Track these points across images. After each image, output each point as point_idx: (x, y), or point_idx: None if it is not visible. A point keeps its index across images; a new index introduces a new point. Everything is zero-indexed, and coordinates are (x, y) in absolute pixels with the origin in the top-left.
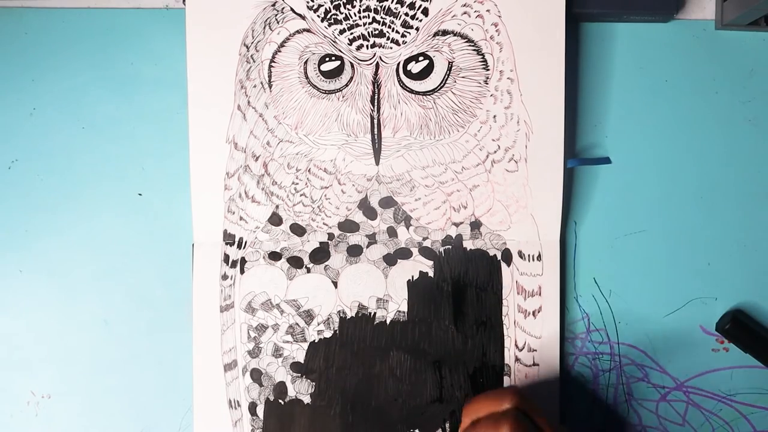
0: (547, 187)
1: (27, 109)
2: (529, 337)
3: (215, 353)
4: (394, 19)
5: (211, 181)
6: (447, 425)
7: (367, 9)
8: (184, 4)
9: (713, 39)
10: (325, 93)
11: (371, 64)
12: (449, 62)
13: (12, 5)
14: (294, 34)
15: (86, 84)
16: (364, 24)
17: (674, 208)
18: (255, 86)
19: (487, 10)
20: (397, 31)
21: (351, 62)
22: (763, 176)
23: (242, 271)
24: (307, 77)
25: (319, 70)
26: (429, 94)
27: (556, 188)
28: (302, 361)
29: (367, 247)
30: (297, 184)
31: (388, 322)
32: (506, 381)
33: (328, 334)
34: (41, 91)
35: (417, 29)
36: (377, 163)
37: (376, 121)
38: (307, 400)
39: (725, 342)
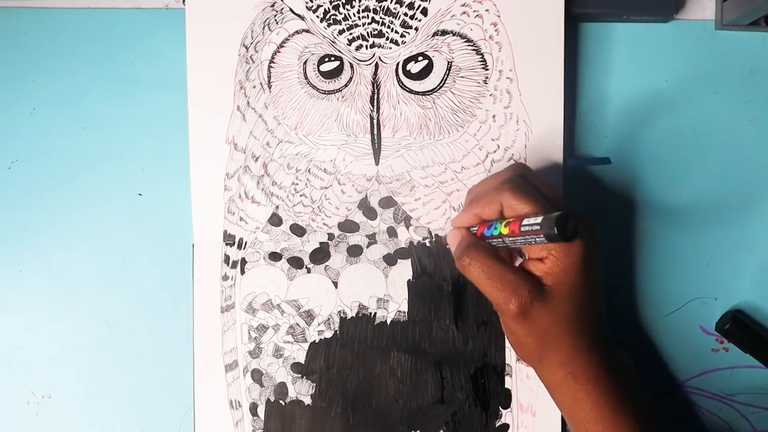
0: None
1: (27, 109)
2: None
3: (216, 354)
4: (393, 19)
5: (211, 181)
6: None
7: (366, 9)
8: (184, 5)
9: (713, 39)
10: (324, 93)
11: (370, 64)
12: (448, 62)
13: (12, 5)
14: (293, 34)
15: (86, 84)
16: (364, 24)
17: (674, 208)
18: (254, 87)
19: (486, 10)
20: (396, 31)
21: (350, 62)
22: (763, 176)
23: (243, 272)
24: (306, 78)
25: (319, 70)
26: (428, 94)
27: (555, 188)
28: (303, 362)
29: (367, 247)
30: (297, 184)
31: (388, 322)
32: (507, 381)
33: (328, 334)
34: (41, 91)
35: (416, 29)
36: (377, 163)
37: (375, 121)
38: (307, 400)
39: (725, 342)
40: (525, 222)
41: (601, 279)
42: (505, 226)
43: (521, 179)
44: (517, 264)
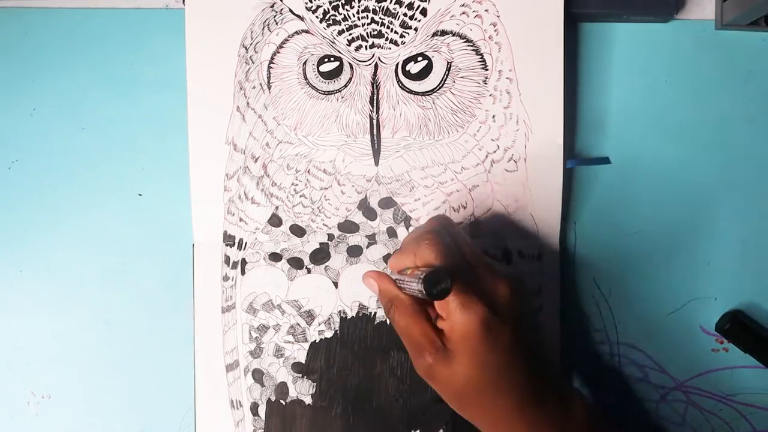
0: (547, 187)
1: (27, 110)
2: None
3: (217, 354)
4: (393, 20)
5: (211, 182)
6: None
7: (366, 9)
8: (184, 5)
9: (713, 39)
10: (324, 94)
11: (370, 64)
12: (448, 62)
13: (12, 5)
14: (293, 35)
15: (86, 84)
16: (363, 24)
17: (674, 208)
18: (254, 87)
19: (486, 10)
20: (396, 32)
21: (350, 63)
22: (763, 176)
23: (243, 272)
24: (306, 78)
25: (318, 71)
26: (428, 95)
27: (555, 188)
28: (303, 362)
29: (367, 247)
30: (296, 185)
31: (388, 321)
32: None
33: (329, 334)
34: (41, 91)
35: (416, 29)
36: (377, 163)
37: (375, 121)
38: (308, 400)
39: (725, 342)
40: (416, 273)
41: (523, 337)
42: (410, 272)
43: (443, 231)
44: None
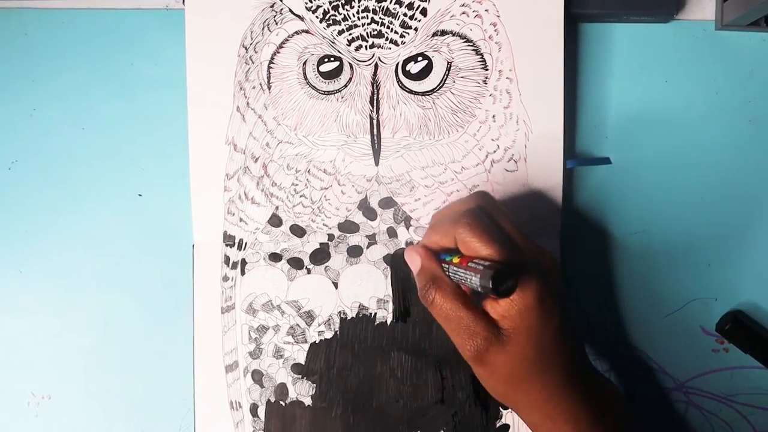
0: (547, 186)
1: (27, 109)
2: None
3: (216, 354)
4: (393, 20)
5: (211, 182)
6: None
7: (366, 9)
8: (184, 5)
9: (713, 39)
10: (324, 94)
11: (370, 64)
12: (448, 62)
13: (12, 5)
14: (293, 35)
15: (86, 84)
16: (363, 24)
17: (674, 208)
18: (254, 87)
19: (486, 10)
20: (396, 32)
21: (350, 63)
22: (763, 176)
23: (243, 273)
24: (306, 78)
25: (318, 71)
26: (428, 95)
27: (555, 188)
28: (303, 363)
29: (368, 247)
30: (296, 185)
31: (388, 322)
32: None
33: (328, 334)
34: (41, 91)
35: (416, 29)
36: (377, 163)
37: (375, 121)
38: (308, 401)
39: (725, 342)
40: (470, 265)
41: (566, 314)
42: (458, 260)
43: (480, 212)
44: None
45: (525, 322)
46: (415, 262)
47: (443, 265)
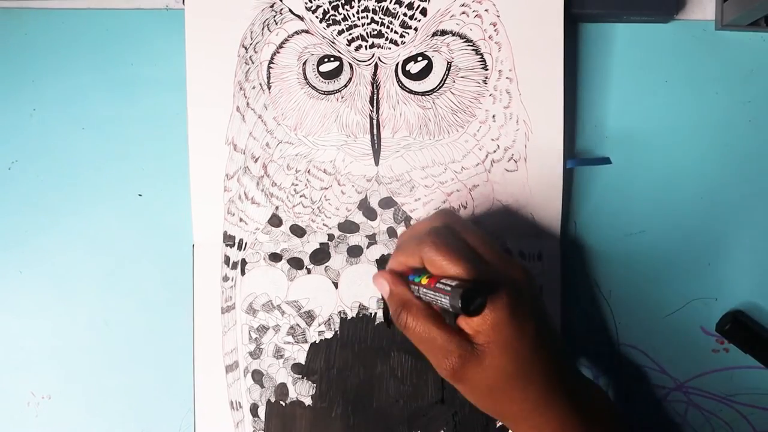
0: (547, 186)
1: (27, 109)
2: None
3: (217, 354)
4: (393, 20)
5: (211, 182)
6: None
7: (366, 9)
8: (184, 5)
9: (713, 39)
10: (324, 94)
11: (370, 64)
12: (448, 62)
13: (12, 5)
14: (293, 35)
15: (86, 84)
16: (363, 24)
17: (674, 208)
18: (254, 87)
19: (486, 10)
20: (396, 32)
21: (350, 63)
22: (763, 176)
23: (243, 273)
24: (305, 78)
25: (318, 71)
26: (428, 95)
27: (555, 188)
28: (303, 363)
29: (368, 247)
30: (296, 185)
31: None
32: None
33: (329, 334)
34: (41, 91)
35: (416, 29)
36: (377, 163)
37: (375, 121)
38: (308, 401)
39: (725, 343)
40: (438, 285)
41: (543, 324)
42: (426, 281)
43: (445, 230)
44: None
45: (499, 336)
46: (383, 287)
47: (412, 286)
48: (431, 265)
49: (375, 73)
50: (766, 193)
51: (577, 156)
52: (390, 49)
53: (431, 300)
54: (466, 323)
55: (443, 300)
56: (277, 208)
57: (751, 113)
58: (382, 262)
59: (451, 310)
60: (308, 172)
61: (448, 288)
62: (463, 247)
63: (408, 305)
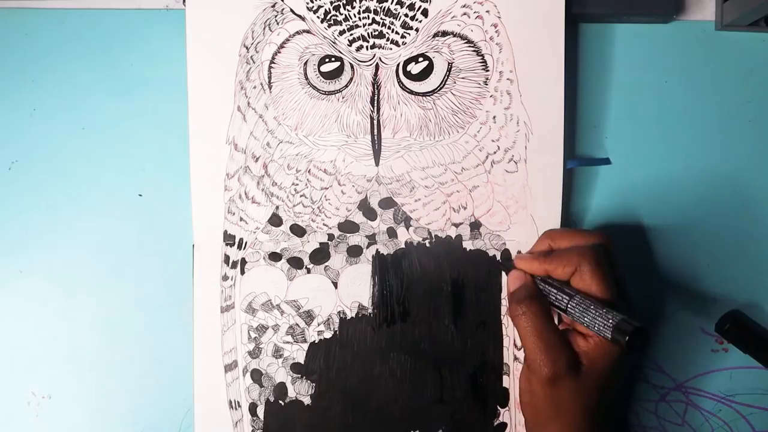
0: (547, 187)
1: (27, 110)
2: None
3: (216, 354)
4: (394, 20)
5: (211, 182)
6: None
7: (367, 10)
8: (184, 5)
9: (713, 40)
10: (324, 94)
11: (371, 65)
12: (449, 63)
13: (12, 5)
14: (294, 35)
15: (86, 84)
16: (364, 25)
17: (674, 208)
18: (255, 87)
19: (487, 11)
20: (397, 32)
21: (351, 63)
22: (763, 176)
23: (243, 272)
24: (306, 78)
25: (319, 71)
26: (429, 95)
27: (555, 189)
28: (302, 362)
29: (367, 247)
30: (297, 185)
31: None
32: (505, 380)
33: (328, 334)
34: (41, 91)
35: (417, 30)
36: (377, 164)
37: (375, 122)
38: (307, 401)
39: (725, 343)
40: (593, 309)
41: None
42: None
43: (604, 253)
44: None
45: (604, 366)
46: (518, 278)
47: (550, 294)
48: (582, 283)
49: (376, 74)
50: (766, 193)
51: (577, 156)
52: (391, 49)
53: (574, 312)
54: (576, 341)
55: (594, 324)
56: (277, 207)
57: (751, 113)
58: (380, 259)
59: (600, 332)
60: (309, 171)
61: (610, 320)
62: (614, 278)
63: (535, 302)
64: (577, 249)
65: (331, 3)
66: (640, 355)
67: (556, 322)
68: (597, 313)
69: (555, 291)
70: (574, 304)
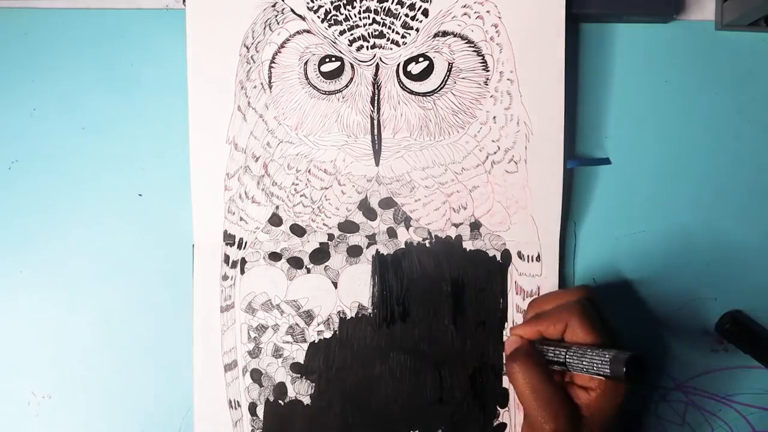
0: (547, 187)
1: (27, 109)
2: None
3: (215, 353)
4: (395, 20)
5: (211, 181)
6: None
7: (368, 10)
8: (184, 5)
9: (713, 39)
10: (325, 94)
11: (371, 65)
12: (449, 63)
13: (12, 5)
14: (294, 34)
15: (86, 84)
16: (365, 25)
17: (674, 208)
18: (255, 87)
19: (487, 11)
20: (397, 32)
21: (351, 63)
22: (763, 176)
23: (242, 272)
24: (307, 78)
25: (319, 70)
26: (429, 95)
27: (555, 189)
28: (302, 362)
29: (367, 247)
30: (297, 184)
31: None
32: (504, 380)
33: (328, 334)
34: (41, 91)
35: (417, 30)
36: (377, 164)
37: (376, 122)
38: (307, 400)
39: (725, 342)
40: (590, 352)
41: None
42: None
43: (590, 304)
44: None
45: (606, 416)
46: (514, 344)
47: (548, 351)
48: (575, 336)
49: (376, 74)
50: (766, 193)
51: (577, 156)
52: (391, 49)
53: (572, 362)
54: (577, 394)
55: (592, 369)
56: (277, 207)
57: (751, 113)
58: (380, 259)
59: (607, 374)
60: (309, 171)
61: (605, 358)
62: (604, 326)
63: (529, 354)
64: (564, 306)
65: (332, 3)
66: (642, 385)
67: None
68: (593, 354)
69: (552, 348)
70: (570, 354)
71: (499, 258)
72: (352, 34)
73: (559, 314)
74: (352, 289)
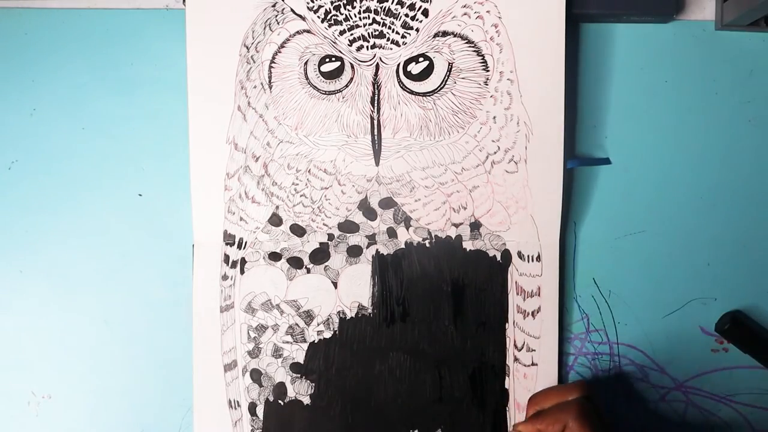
0: (547, 187)
1: (27, 109)
2: (528, 337)
3: (215, 353)
4: (395, 20)
5: (212, 181)
6: None
7: (368, 10)
8: (184, 5)
9: (713, 39)
10: (325, 94)
11: (371, 65)
12: (449, 63)
13: (12, 5)
14: (294, 34)
15: (86, 84)
16: (365, 25)
17: (674, 208)
18: (255, 87)
19: (487, 11)
20: (398, 32)
21: (351, 63)
22: (763, 176)
23: (242, 272)
24: (307, 78)
25: (320, 70)
26: (429, 95)
27: (555, 189)
28: (302, 362)
29: (367, 247)
30: (297, 184)
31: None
32: (505, 381)
33: (327, 334)
34: (41, 91)
35: (417, 30)
36: (377, 164)
37: (376, 122)
38: (306, 400)
39: (725, 342)
40: None
41: None
42: None
43: (587, 403)
44: None
45: None
46: None
47: None
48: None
49: (376, 74)
50: (766, 193)
51: (577, 156)
52: (391, 49)
53: None
54: None
55: None
56: (277, 207)
57: (751, 113)
58: (379, 259)
59: None
60: (309, 171)
61: None
62: (605, 423)
63: None
64: (563, 405)
65: (332, 3)
66: None
67: None
68: None
69: None
70: None
71: (499, 258)
72: (352, 34)
73: (558, 414)
74: (352, 289)
